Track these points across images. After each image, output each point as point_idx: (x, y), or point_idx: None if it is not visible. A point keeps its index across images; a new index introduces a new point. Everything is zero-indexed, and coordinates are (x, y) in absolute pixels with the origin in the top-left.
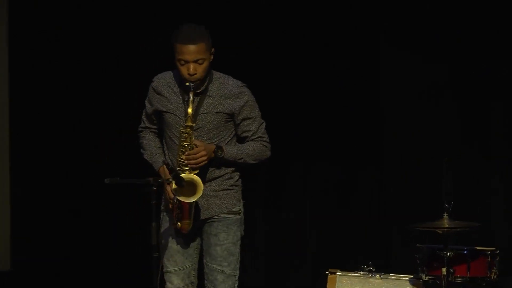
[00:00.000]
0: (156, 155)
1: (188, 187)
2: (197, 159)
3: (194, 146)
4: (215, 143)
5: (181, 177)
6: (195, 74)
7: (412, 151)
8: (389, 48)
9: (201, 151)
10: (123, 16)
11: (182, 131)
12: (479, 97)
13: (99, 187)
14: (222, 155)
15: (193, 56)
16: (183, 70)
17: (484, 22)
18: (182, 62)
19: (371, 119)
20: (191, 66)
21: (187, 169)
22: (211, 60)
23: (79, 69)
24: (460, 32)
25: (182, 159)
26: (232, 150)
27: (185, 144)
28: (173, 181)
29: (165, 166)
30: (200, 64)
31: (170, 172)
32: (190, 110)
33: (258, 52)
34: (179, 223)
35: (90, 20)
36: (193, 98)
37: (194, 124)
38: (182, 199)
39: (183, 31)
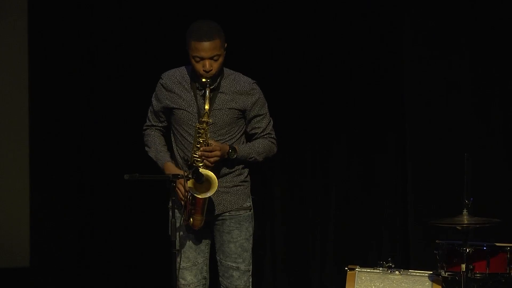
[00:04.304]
0: (161, 152)
1: (203, 183)
2: (210, 157)
3: (209, 143)
4: (227, 139)
5: (201, 173)
6: (211, 70)
7: (433, 147)
8: (413, 41)
9: (216, 150)
10: (141, 18)
11: (198, 127)
12: (501, 93)
13: (116, 185)
14: (235, 156)
15: (209, 52)
16: (199, 67)
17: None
18: (198, 59)
19: (393, 117)
20: (207, 62)
21: (201, 165)
22: (224, 55)
23: (94, 70)
24: (483, 27)
25: (197, 155)
26: (244, 150)
27: (201, 140)
28: (193, 178)
29: (170, 162)
30: (216, 60)
31: (189, 169)
32: (207, 107)
33: (279, 40)
34: (191, 219)
35: (107, 21)
36: (209, 94)
37: (210, 120)
38: (196, 195)
39: (198, 27)
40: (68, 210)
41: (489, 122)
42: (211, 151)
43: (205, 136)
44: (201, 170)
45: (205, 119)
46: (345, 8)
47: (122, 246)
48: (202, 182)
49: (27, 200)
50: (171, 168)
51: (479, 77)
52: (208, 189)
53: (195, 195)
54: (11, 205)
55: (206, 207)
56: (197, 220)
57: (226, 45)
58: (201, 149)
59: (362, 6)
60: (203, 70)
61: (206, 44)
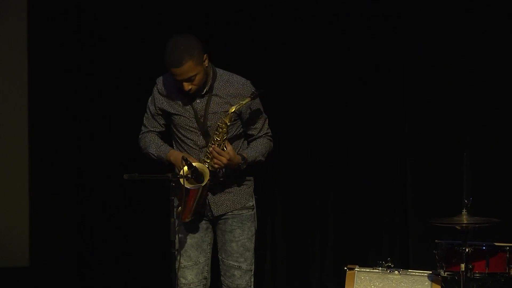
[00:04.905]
0: (162, 146)
1: (197, 176)
2: (215, 158)
3: (223, 145)
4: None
5: (201, 173)
6: (190, 89)
7: (432, 146)
8: (414, 39)
9: (224, 157)
10: (140, 18)
11: (219, 124)
12: (501, 93)
13: (116, 184)
14: (245, 166)
15: (182, 76)
16: (179, 85)
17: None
18: (176, 79)
19: (392, 117)
20: (184, 85)
21: (208, 161)
22: (206, 65)
23: (93, 70)
24: (483, 26)
25: (209, 150)
26: (252, 155)
27: (217, 138)
28: (192, 177)
29: (173, 150)
30: (193, 80)
31: (189, 168)
32: (232, 109)
33: (278, 41)
34: (180, 208)
35: (106, 21)
36: (246, 102)
37: (228, 123)
38: (187, 185)
39: (168, 54)
40: (68, 209)
41: (488, 122)
42: (219, 154)
43: (221, 136)
44: (199, 163)
45: (226, 120)
46: (344, 9)
47: (121, 245)
48: (201, 181)
49: (26, 199)
50: (175, 154)
51: (479, 77)
52: (200, 182)
53: (186, 186)
54: (11, 204)
55: (195, 204)
56: (185, 213)
57: (205, 56)
58: (213, 146)
59: (362, 7)
60: (183, 90)
61: (177, 70)
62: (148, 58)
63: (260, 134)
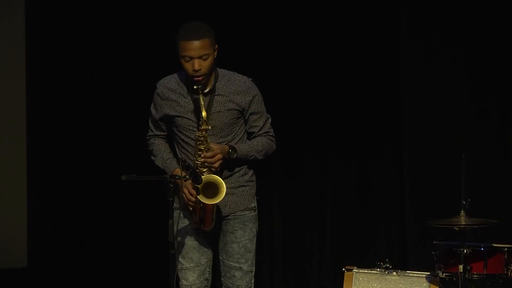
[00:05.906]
0: (168, 159)
1: (210, 188)
2: (213, 162)
3: (210, 147)
4: (229, 140)
5: (199, 174)
6: (200, 69)
7: (431, 146)
8: (412, 39)
9: (218, 153)
10: (140, 18)
11: (198, 135)
12: (500, 92)
13: (114, 185)
14: (235, 155)
15: (197, 52)
16: (188, 67)
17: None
18: (187, 59)
19: (390, 118)
20: (196, 62)
21: (205, 171)
22: (215, 57)
23: (92, 71)
24: (481, 26)
25: (200, 161)
26: (243, 149)
27: (202, 147)
28: (190, 178)
29: (179, 169)
30: (205, 59)
31: (187, 170)
32: (204, 114)
33: (276, 44)
34: (201, 225)
35: (105, 20)
36: (204, 101)
37: (209, 127)
38: (204, 200)
39: (186, 28)
40: (66, 210)
41: (487, 123)
42: (212, 157)
43: (206, 143)
44: (206, 175)
45: (204, 127)
46: (343, 10)
47: (121, 246)
48: (200, 183)
49: (24, 200)
50: (180, 174)
51: (478, 77)
52: (216, 194)
53: (202, 201)
54: (9, 205)
55: (215, 210)
56: (207, 223)
57: (216, 46)
58: (202, 155)
59: (359, 8)
60: (192, 70)
61: (194, 43)
62: (148, 58)
63: (260, 133)
